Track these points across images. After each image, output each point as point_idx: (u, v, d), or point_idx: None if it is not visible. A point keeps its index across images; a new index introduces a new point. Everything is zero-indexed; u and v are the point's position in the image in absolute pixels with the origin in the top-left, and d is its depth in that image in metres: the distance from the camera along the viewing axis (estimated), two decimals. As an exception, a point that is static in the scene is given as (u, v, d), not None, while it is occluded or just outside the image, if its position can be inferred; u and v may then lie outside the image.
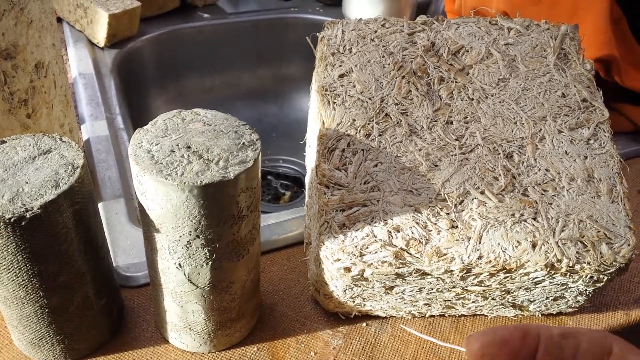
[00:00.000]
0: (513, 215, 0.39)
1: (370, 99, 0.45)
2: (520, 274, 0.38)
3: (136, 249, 0.49)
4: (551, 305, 0.44)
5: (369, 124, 0.44)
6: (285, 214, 0.56)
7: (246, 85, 1.04)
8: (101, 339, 0.42)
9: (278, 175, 0.96)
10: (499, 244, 0.38)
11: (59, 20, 0.89)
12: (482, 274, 0.38)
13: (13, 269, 0.34)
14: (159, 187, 0.32)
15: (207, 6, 1.00)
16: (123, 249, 0.49)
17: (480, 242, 0.38)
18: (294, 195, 0.93)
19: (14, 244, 0.32)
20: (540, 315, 0.47)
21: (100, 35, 0.82)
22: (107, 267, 0.41)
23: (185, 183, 0.32)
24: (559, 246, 0.38)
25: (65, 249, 0.35)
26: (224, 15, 0.99)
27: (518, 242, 0.38)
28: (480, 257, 0.38)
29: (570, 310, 0.45)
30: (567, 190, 0.42)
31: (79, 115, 0.69)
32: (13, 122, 0.47)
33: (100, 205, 0.54)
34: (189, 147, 0.34)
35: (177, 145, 0.35)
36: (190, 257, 0.35)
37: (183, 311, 0.39)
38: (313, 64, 0.49)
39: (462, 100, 0.45)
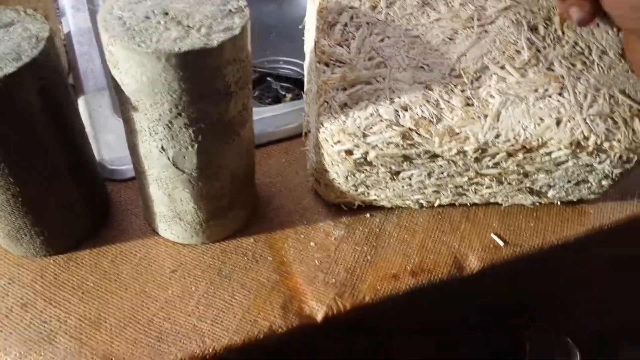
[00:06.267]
0: (536, 90, 0.35)
1: (375, -37, 0.39)
2: (542, 154, 0.34)
3: (121, 142, 0.45)
4: (572, 191, 0.40)
5: (373, -8, 0.38)
6: (283, 107, 0.52)
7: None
8: (84, 232, 0.40)
9: (278, 77, 0.91)
10: (519, 121, 0.34)
11: None
12: (498, 154, 0.34)
13: (-24, 152, 0.31)
14: (132, 56, 0.28)
15: None
16: (107, 143, 0.46)
17: (498, 120, 0.34)
18: (295, 98, 0.88)
19: (-28, 122, 0.29)
20: (559, 203, 0.44)
21: None
22: (87, 156, 0.38)
23: (161, 50, 0.27)
24: (586, 123, 0.34)
25: (33, 133, 0.31)
26: None
27: (541, 118, 0.34)
28: (497, 136, 0.34)
29: (592, 197, 0.42)
30: (598, 64, 0.37)
31: (59, 8, 0.64)
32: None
33: (82, 99, 0.50)
34: (167, 13, 0.30)
35: (153, 11, 0.30)
36: (173, 138, 0.32)
37: (170, 200, 0.36)
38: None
39: (480, -36, 0.40)
